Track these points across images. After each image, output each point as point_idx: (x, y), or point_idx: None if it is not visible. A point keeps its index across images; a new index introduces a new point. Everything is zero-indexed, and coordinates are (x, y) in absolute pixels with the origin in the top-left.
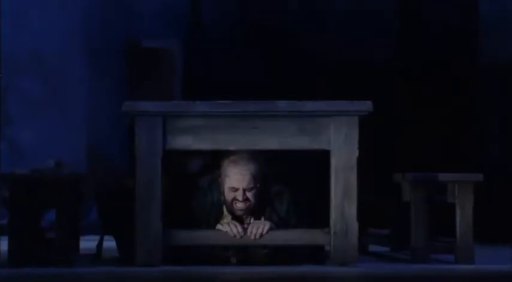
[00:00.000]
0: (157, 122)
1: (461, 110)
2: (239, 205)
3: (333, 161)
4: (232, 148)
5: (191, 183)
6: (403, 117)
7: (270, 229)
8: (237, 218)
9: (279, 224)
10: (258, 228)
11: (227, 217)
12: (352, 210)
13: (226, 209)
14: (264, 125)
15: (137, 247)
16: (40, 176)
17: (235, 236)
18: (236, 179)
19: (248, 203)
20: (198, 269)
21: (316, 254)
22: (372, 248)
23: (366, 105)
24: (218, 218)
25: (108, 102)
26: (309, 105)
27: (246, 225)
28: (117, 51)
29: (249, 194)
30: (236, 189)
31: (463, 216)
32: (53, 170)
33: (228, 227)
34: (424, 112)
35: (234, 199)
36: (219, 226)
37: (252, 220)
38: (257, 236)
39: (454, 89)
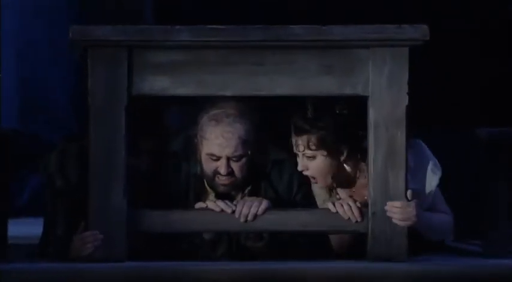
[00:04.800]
0: (120, 56)
1: None
2: (221, 179)
3: (372, 112)
4: (227, 94)
5: (160, 146)
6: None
7: (267, 209)
8: (224, 195)
9: (276, 203)
10: (251, 206)
11: (211, 194)
12: (399, 181)
13: (207, 183)
14: (273, 60)
15: None
16: None
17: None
18: (217, 144)
19: (234, 178)
20: (176, 266)
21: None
22: None
23: (420, 31)
24: (199, 195)
25: (48, 28)
26: (338, 31)
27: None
28: None
29: (235, 165)
30: (217, 158)
31: None
32: None
33: (217, 209)
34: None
35: (216, 172)
36: (199, 204)
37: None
38: (249, 218)
39: None
